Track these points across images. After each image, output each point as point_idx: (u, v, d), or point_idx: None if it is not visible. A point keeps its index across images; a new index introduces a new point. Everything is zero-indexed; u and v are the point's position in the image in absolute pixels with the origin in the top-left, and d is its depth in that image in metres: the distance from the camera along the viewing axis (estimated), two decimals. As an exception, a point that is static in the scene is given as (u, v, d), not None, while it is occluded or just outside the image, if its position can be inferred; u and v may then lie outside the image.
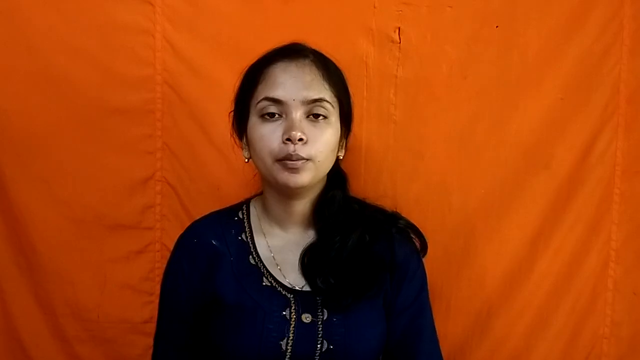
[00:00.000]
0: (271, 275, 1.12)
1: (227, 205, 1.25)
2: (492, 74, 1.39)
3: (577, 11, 1.39)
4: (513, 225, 1.41)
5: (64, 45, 1.35)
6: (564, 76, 1.39)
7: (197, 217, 1.26)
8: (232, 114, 1.18)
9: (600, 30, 1.39)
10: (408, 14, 1.38)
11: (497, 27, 1.38)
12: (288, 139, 1.05)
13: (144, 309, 1.41)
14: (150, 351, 1.35)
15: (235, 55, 1.34)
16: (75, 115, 1.36)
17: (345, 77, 1.18)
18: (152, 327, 1.37)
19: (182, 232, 1.22)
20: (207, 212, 1.25)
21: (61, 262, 1.39)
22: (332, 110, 1.10)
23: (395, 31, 1.39)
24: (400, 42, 1.39)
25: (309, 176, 1.07)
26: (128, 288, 1.41)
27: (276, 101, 1.08)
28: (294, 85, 1.08)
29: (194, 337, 1.14)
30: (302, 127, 1.06)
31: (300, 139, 1.05)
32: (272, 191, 1.14)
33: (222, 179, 1.41)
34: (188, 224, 1.29)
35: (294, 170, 1.06)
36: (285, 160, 1.06)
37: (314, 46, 1.19)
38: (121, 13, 1.35)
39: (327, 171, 1.13)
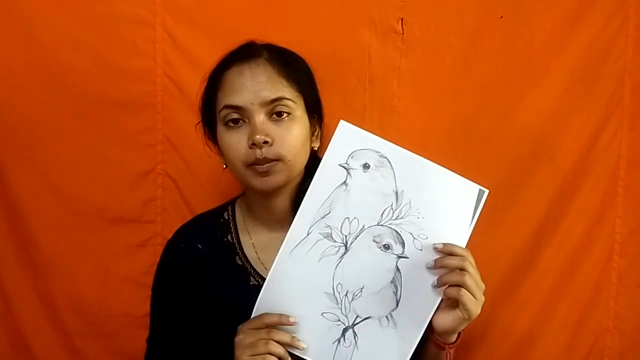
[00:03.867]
0: (258, 274, 1.13)
1: (228, 198, 1.25)
2: (496, 65, 1.38)
3: (582, 2, 1.37)
4: (517, 217, 1.40)
5: (64, 37, 1.34)
6: (569, 67, 1.39)
7: (198, 210, 1.26)
8: (200, 124, 1.18)
9: (605, 21, 1.38)
10: (411, 4, 1.37)
11: (501, 17, 1.37)
12: (253, 144, 1.05)
13: (145, 302, 1.38)
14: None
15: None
16: (75, 108, 1.36)
17: (308, 67, 1.16)
18: (153, 321, 1.37)
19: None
20: (207, 206, 1.25)
21: (62, 256, 1.39)
22: (295, 106, 1.09)
23: (398, 22, 1.37)
24: (403, 33, 1.37)
25: (282, 177, 1.08)
26: (129, 281, 1.41)
27: (236, 108, 1.07)
28: (250, 88, 1.06)
29: (184, 336, 1.15)
30: (265, 129, 1.05)
31: (266, 142, 1.05)
32: (252, 192, 1.15)
33: (222, 172, 1.38)
34: (189, 217, 1.29)
35: (265, 174, 1.06)
36: (255, 165, 1.06)
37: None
38: (121, 5, 1.34)
39: (303, 166, 1.12)
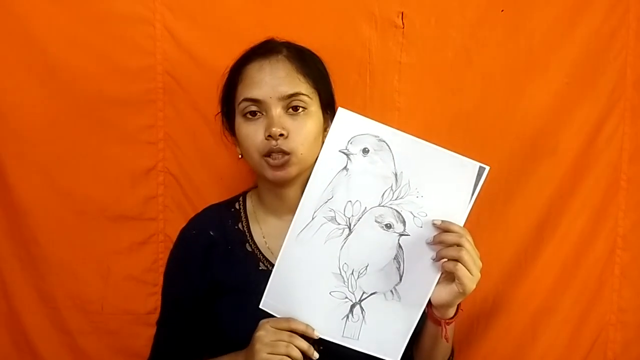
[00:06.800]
0: (267, 260, 1.16)
1: (231, 195, 1.26)
2: (497, 59, 1.38)
3: (582, -6, 1.37)
4: (519, 212, 1.40)
5: (64, 36, 1.33)
6: (571, 60, 1.38)
7: (200, 207, 1.27)
8: (219, 115, 1.21)
9: (606, 14, 1.38)
10: (411, -2, 1.37)
11: (502, 11, 1.37)
12: (270, 136, 1.09)
13: (148, 300, 1.41)
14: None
15: (236, 43, 1.31)
16: (76, 106, 1.35)
17: (324, 65, 1.19)
18: (156, 318, 1.37)
19: (185, 222, 1.24)
20: (210, 202, 1.26)
21: (64, 254, 1.39)
22: (310, 102, 1.13)
23: (398, 16, 1.37)
24: (403, 27, 1.37)
25: (295, 169, 1.12)
26: (131, 279, 1.41)
27: (255, 101, 1.12)
28: (269, 83, 1.11)
29: (194, 322, 1.18)
30: (281, 122, 1.10)
31: (281, 134, 1.09)
32: (264, 182, 1.18)
33: (224, 169, 1.40)
34: (191, 214, 1.30)
35: (279, 167, 1.11)
36: (270, 156, 1.10)
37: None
38: (120, 2, 1.34)
39: (314, 159, 1.13)
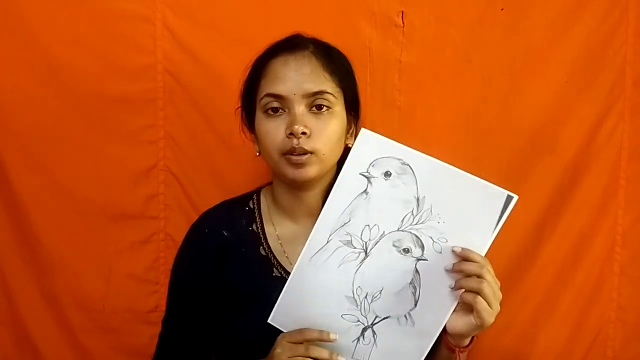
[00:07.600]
0: (281, 266, 1.13)
1: (231, 194, 1.24)
2: (497, 58, 1.38)
3: (581, -7, 1.37)
4: (518, 210, 1.35)
5: (64, 35, 1.34)
6: (570, 59, 1.38)
7: (201, 206, 1.26)
8: (239, 109, 1.18)
9: (605, 12, 1.38)
10: (411, -3, 1.37)
11: (502, 9, 1.37)
12: (291, 134, 1.05)
13: (149, 298, 1.42)
14: (156, 340, 1.35)
15: (236, 42, 1.33)
16: (76, 105, 1.36)
17: (350, 64, 1.17)
18: (157, 317, 1.38)
19: (186, 221, 1.25)
20: (211, 201, 1.24)
21: (65, 253, 1.39)
22: (335, 101, 1.09)
23: (398, 15, 1.37)
24: (403, 26, 1.37)
25: (315, 169, 1.07)
26: (133, 278, 1.41)
27: (278, 97, 1.07)
28: (293, 79, 1.07)
29: (201, 322, 1.16)
30: (304, 120, 1.06)
31: (303, 133, 1.05)
32: (281, 183, 1.14)
33: (225, 167, 1.40)
34: (192, 213, 1.29)
35: (299, 165, 1.06)
36: (290, 154, 1.06)
37: (315, 32, 1.18)
38: (121, 1, 1.34)
39: (335, 161, 1.12)
